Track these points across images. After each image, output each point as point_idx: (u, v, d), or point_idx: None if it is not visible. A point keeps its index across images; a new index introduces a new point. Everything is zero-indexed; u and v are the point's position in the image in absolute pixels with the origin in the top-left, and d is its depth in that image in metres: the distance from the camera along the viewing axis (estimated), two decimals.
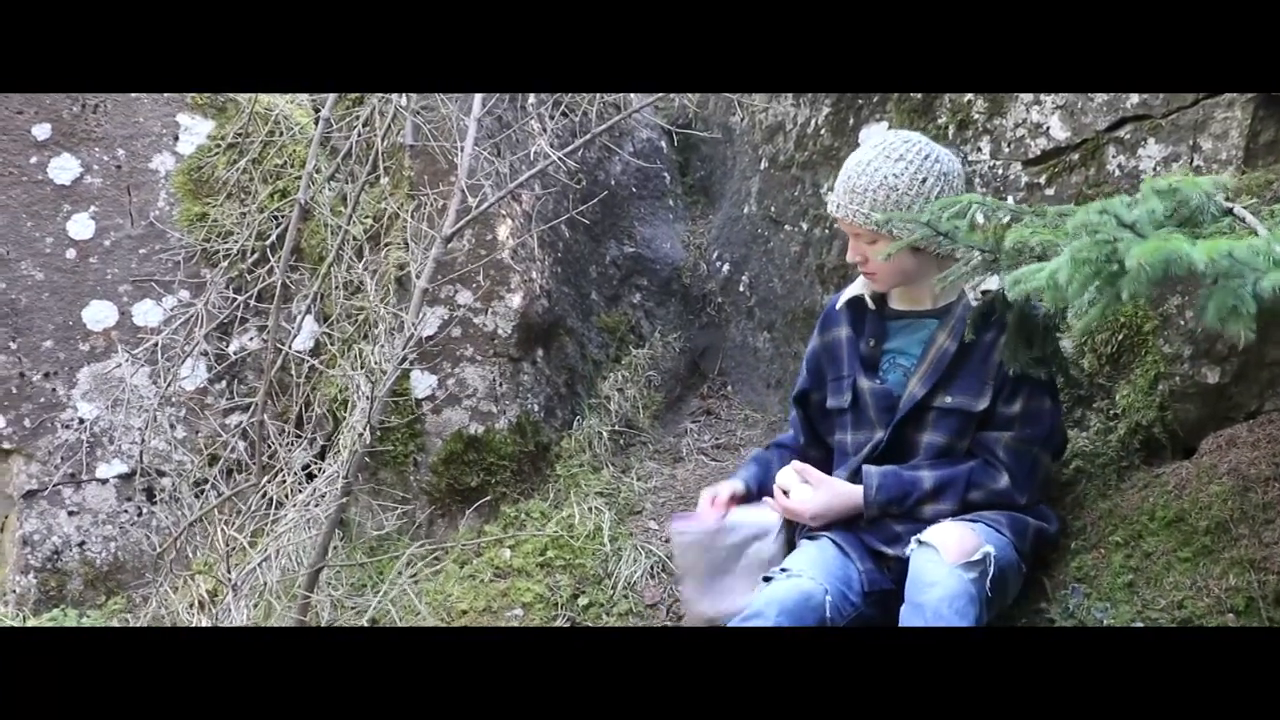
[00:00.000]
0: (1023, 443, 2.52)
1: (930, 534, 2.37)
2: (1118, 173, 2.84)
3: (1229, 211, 1.86)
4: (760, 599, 2.42)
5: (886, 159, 2.52)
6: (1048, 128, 2.99)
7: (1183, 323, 2.60)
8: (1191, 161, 2.70)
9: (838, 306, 2.76)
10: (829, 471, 2.70)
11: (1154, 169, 2.77)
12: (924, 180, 2.50)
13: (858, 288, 2.72)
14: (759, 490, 2.80)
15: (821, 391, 2.79)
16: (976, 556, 2.32)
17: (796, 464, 2.67)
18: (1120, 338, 2.75)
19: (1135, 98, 2.81)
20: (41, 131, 3.55)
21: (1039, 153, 3.02)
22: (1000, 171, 3.09)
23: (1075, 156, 2.94)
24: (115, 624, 3.35)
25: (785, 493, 2.63)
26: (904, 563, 2.44)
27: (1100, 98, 2.88)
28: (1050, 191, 2.98)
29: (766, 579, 2.49)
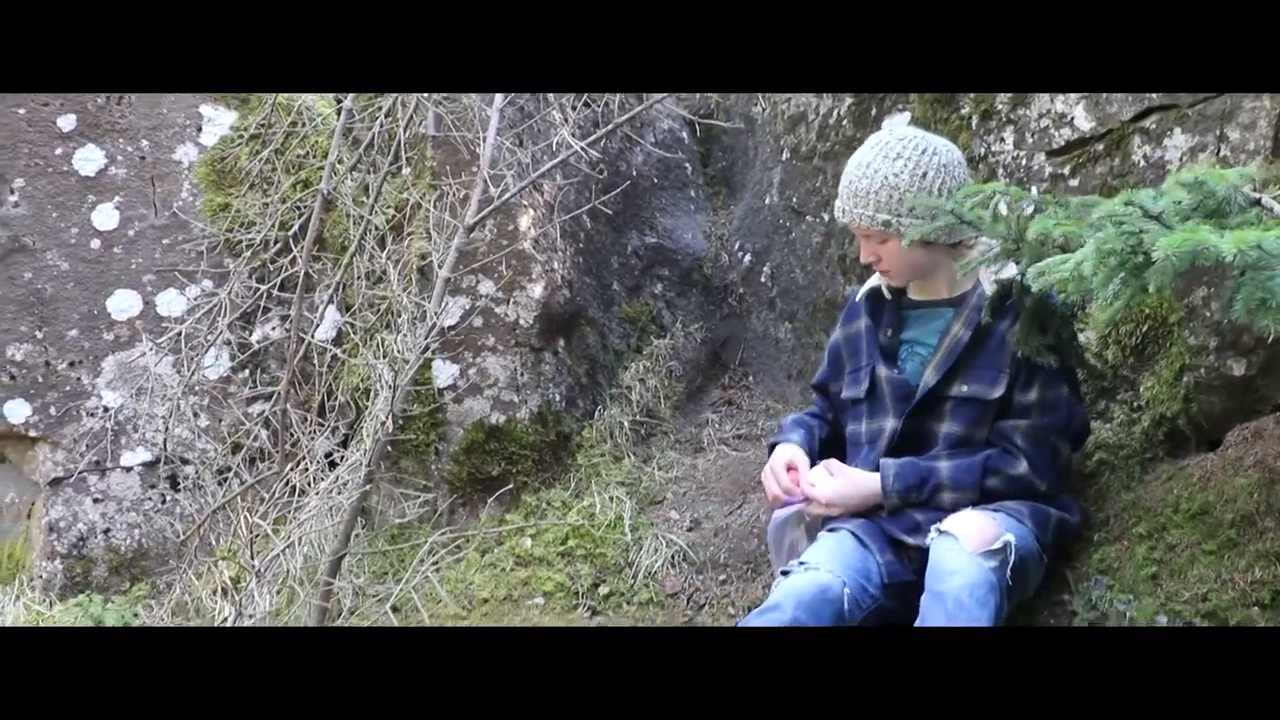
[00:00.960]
0: (1040, 430, 2.52)
1: (950, 523, 2.37)
2: (1143, 163, 2.82)
3: (1257, 202, 1.85)
4: (777, 593, 2.42)
5: (885, 159, 2.53)
6: (1072, 118, 2.97)
7: (1208, 314, 2.58)
8: (1218, 152, 2.67)
9: (857, 299, 2.78)
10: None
11: (1180, 159, 2.75)
12: (924, 175, 2.51)
13: (876, 279, 2.73)
14: (810, 452, 2.77)
15: (839, 383, 2.80)
16: (997, 545, 2.31)
17: (828, 461, 2.68)
18: (1145, 329, 2.73)
19: None
20: (67, 123, 3.58)
21: (1063, 143, 2.99)
22: (1024, 162, 3.07)
23: (1100, 147, 2.92)
24: (140, 610, 3.39)
25: (814, 485, 2.64)
26: (924, 553, 2.43)
27: None
28: (1075, 182, 2.96)
29: (784, 573, 2.49)
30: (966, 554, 2.29)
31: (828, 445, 2.82)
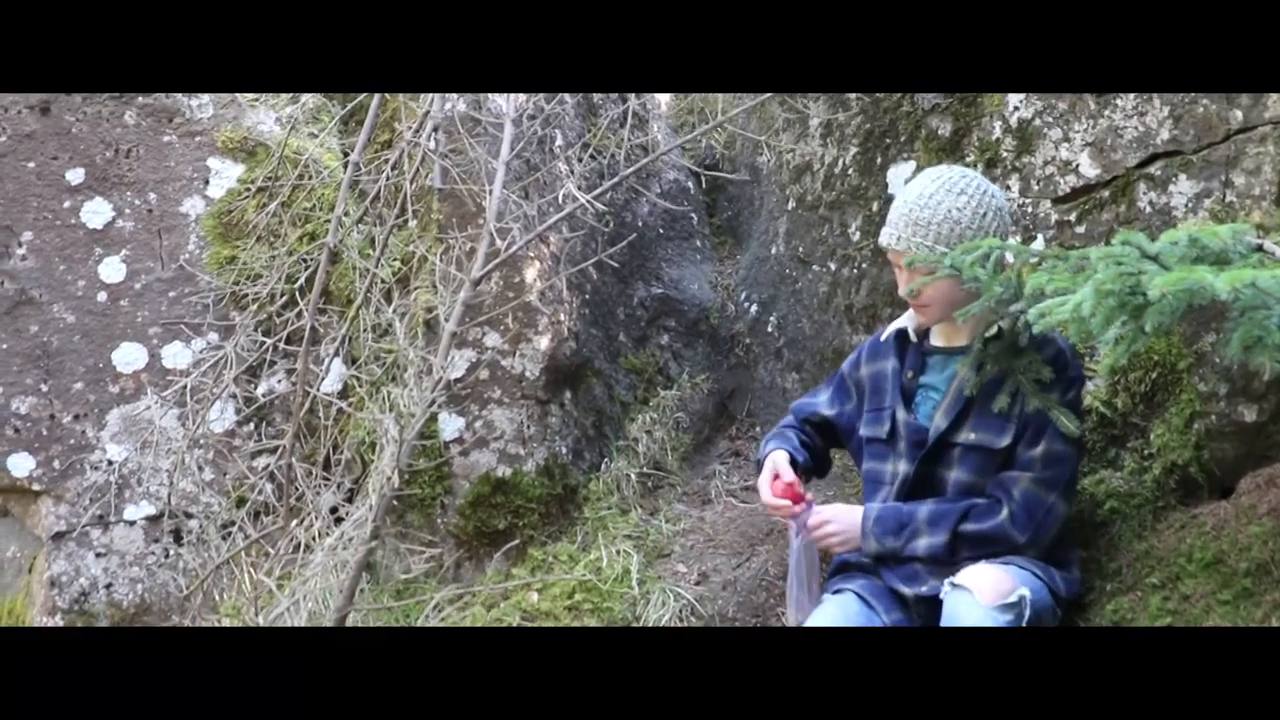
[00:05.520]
0: (1040, 485, 2.49)
1: (964, 576, 2.34)
2: (1149, 209, 2.81)
3: (1259, 248, 1.84)
4: None
5: (949, 193, 2.52)
6: (1077, 165, 2.96)
7: (1218, 360, 2.56)
8: (1224, 198, 2.66)
9: (882, 338, 2.78)
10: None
11: (1186, 205, 2.74)
12: (984, 215, 2.52)
13: (904, 320, 2.73)
14: (793, 450, 2.79)
15: (855, 418, 2.79)
16: (1012, 599, 2.28)
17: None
18: (1154, 376, 2.70)
19: (1165, 133, 2.79)
20: (75, 176, 3.60)
21: (1069, 190, 2.99)
22: (1030, 209, 3.06)
23: (1106, 194, 2.91)
24: None
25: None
26: (927, 603, 2.41)
27: (1130, 134, 2.85)
28: (1081, 229, 2.95)
29: None
30: (981, 607, 2.26)
31: (808, 453, 2.85)
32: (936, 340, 2.69)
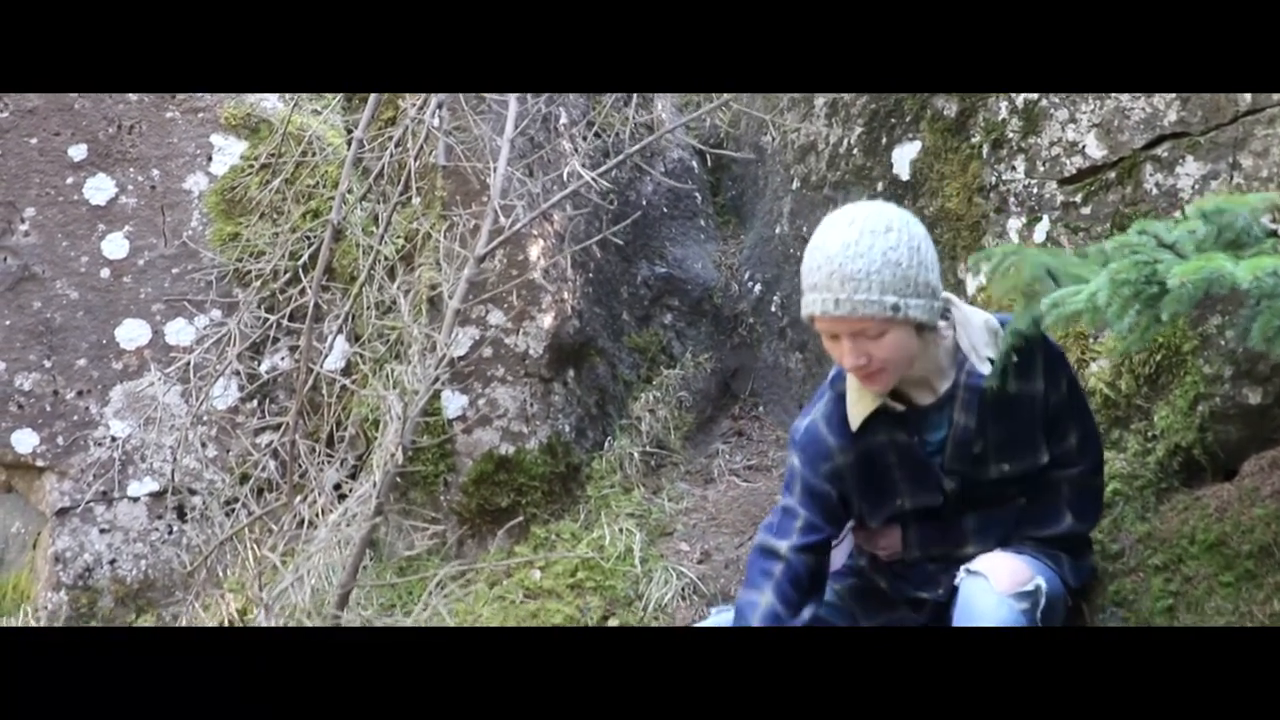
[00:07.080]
0: (1087, 474, 2.41)
1: (980, 563, 2.27)
2: (1155, 191, 2.80)
3: (1274, 234, 1.83)
4: None
5: (873, 233, 2.12)
6: (1083, 146, 2.96)
7: (1223, 343, 2.56)
8: (1231, 179, 2.66)
9: (855, 428, 2.33)
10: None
11: (1192, 187, 2.73)
12: (918, 247, 2.16)
13: (864, 401, 2.32)
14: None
15: (837, 524, 2.43)
16: (1029, 587, 2.22)
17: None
18: (1159, 358, 2.70)
19: (1173, 115, 2.78)
20: (78, 152, 3.59)
21: (1075, 171, 2.98)
22: (1035, 190, 3.05)
23: (1112, 175, 2.91)
24: None
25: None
26: (940, 607, 2.39)
27: (1137, 115, 2.85)
28: (1086, 210, 2.95)
29: None
30: (996, 595, 2.19)
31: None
32: (920, 399, 2.36)
